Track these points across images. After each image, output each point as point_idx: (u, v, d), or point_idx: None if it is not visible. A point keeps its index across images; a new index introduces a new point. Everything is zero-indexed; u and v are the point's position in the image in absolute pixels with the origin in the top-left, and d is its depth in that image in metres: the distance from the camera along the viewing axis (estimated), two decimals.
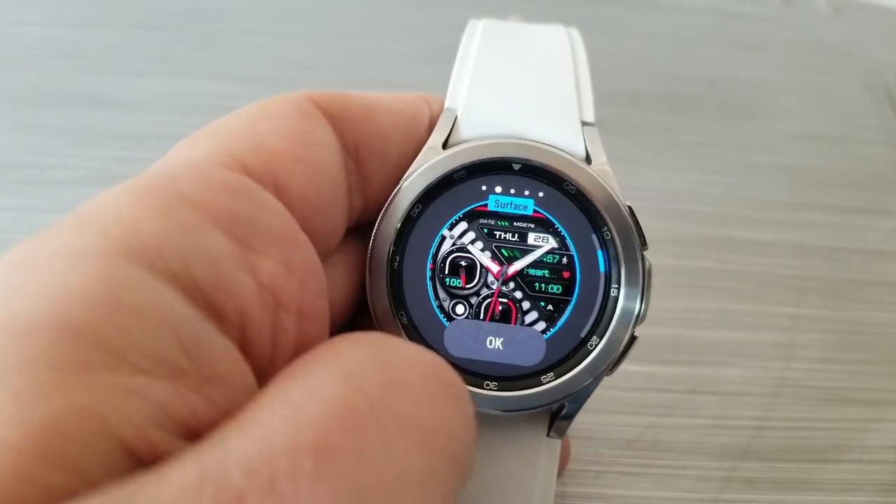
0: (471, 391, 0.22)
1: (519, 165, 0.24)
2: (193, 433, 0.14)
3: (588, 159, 0.24)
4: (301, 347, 0.18)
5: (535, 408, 0.23)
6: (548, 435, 0.24)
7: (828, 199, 0.46)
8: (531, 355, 0.23)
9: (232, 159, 0.19)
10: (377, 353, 0.16)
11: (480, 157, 0.24)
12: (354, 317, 0.25)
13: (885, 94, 0.52)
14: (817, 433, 0.35)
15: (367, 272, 0.23)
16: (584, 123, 0.25)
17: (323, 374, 0.15)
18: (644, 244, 0.24)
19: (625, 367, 0.24)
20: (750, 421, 0.35)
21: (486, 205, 0.24)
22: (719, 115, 0.50)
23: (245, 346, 0.17)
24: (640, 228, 0.24)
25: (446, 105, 0.25)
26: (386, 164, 0.23)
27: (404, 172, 0.24)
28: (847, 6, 0.61)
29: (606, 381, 0.23)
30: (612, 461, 0.33)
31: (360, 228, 0.25)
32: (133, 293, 0.14)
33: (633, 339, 0.23)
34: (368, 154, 0.23)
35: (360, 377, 0.15)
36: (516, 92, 0.25)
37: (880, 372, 0.38)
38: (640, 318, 0.23)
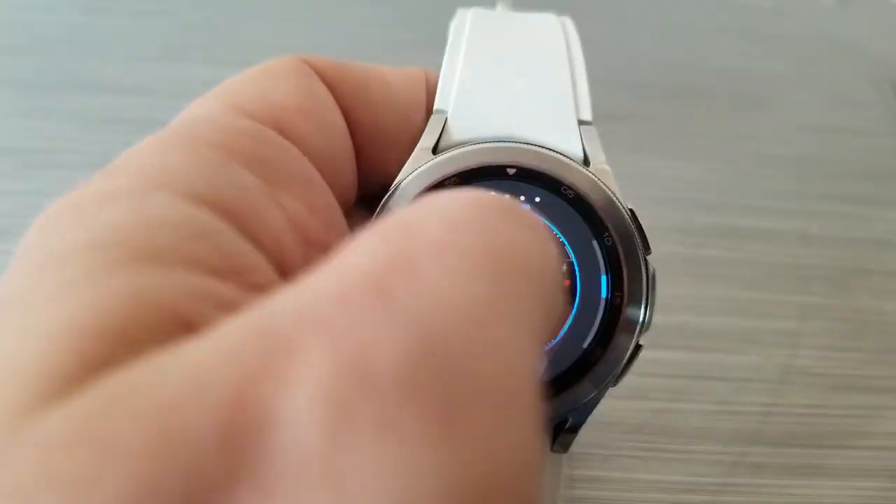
0: None
1: (514, 170, 0.22)
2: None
3: (586, 160, 0.23)
4: None
5: None
6: (551, 449, 0.23)
7: (834, 189, 0.46)
8: None
9: (243, 111, 0.19)
10: (431, 202, 0.14)
11: (472, 164, 0.22)
12: None
13: (890, 86, 0.52)
14: (825, 420, 0.35)
15: None
16: (581, 122, 0.23)
17: (372, 234, 0.13)
18: (647, 249, 0.22)
19: None
20: (758, 407, 0.35)
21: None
22: (727, 105, 0.50)
23: (282, 275, 0.16)
24: (643, 232, 0.22)
25: (435, 106, 0.23)
26: (374, 140, 0.23)
27: (396, 152, 0.23)
28: (853, 0, 0.61)
29: (610, 390, 0.23)
30: (620, 445, 0.33)
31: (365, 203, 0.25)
32: (164, 213, 0.14)
33: (637, 348, 0.22)
34: (360, 126, 0.22)
35: (412, 223, 0.13)
36: (509, 91, 0.24)
37: (887, 360, 0.38)
38: (644, 327, 0.22)
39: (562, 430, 0.23)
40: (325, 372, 0.11)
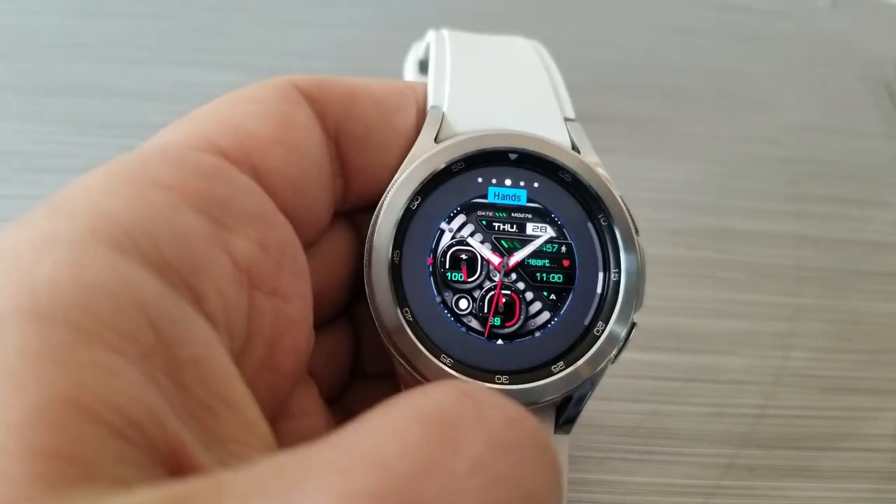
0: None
1: (515, 155, 0.24)
2: (160, 424, 0.14)
3: (575, 151, 0.24)
4: (277, 330, 0.18)
5: (548, 399, 0.23)
6: (555, 431, 0.24)
7: (827, 190, 0.46)
8: (538, 356, 0.23)
9: (207, 142, 0.19)
10: (476, 406, 0.14)
11: (480, 147, 0.24)
12: (351, 305, 0.25)
13: (883, 86, 0.52)
14: (817, 422, 0.35)
15: (366, 266, 0.23)
16: (566, 119, 0.25)
17: (414, 422, 0.13)
18: (637, 231, 0.24)
19: (626, 355, 0.24)
20: (750, 409, 0.35)
21: (485, 196, 0.24)
22: (719, 106, 0.51)
23: (222, 327, 0.17)
24: (632, 216, 0.24)
25: (430, 104, 0.24)
26: (367, 150, 0.23)
27: (386, 159, 0.23)
28: (846, 1, 0.61)
29: (608, 369, 0.24)
30: (613, 448, 0.33)
31: (348, 214, 0.25)
32: (99, 274, 0.14)
33: (633, 325, 0.23)
34: (349, 139, 0.23)
35: (455, 428, 0.13)
36: (497, 89, 0.25)
37: (880, 361, 0.38)
38: (638, 303, 0.23)
39: (564, 411, 0.23)
40: None
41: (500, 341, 0.23)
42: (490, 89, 0.25)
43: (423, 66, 0.30)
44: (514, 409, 0.15)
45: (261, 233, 0.18)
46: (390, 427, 0.13)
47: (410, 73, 0.41)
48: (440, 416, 0.13)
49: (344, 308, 0.25)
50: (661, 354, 0.37)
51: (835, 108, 0.51)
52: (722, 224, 0.43)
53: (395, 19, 0.55)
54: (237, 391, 0.16)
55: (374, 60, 0.50)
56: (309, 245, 0.22)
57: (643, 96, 0.51)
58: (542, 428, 0.15)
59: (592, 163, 0.24)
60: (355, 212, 0.25)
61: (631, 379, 0.35)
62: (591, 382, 0.23)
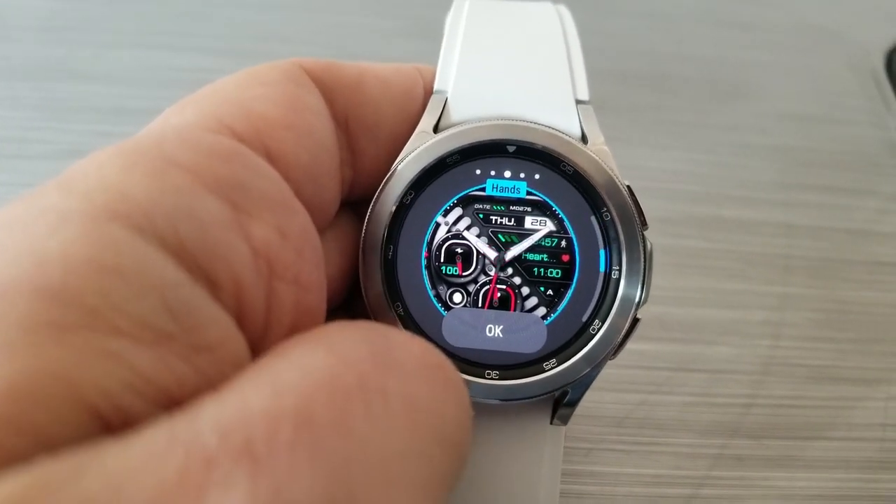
0: (472, 381, 0.22)
1: (514, 147, 0.23)
2: (175, 402, 0.14)
3: (584, 139, 0.23)
4: (298, 319, 0.18)
5: (538, 395, 0.22)
6: (551, 423, 0.23)
7: (815, 178, 0.46)
8: (532, 342, 0.23)
9: (221, 125, 0.18)
10: (368, 334, 0.15)
11: (474, 140, 0.23)
12: (350, 299, 0.25)
13: (871, 75, 0.52)
14: (805, 411, 0.35)
15: (361, 260, 0.22)
16: (578, 102, 0.24)
17: (310, 349, 0.14)
18: (644, 224, 0.23)
19: None
20: (739, 399, 0.35)
21: (483, 189, 0.23)
22: (708, 94, 0.50)
23: (240, 315, 0.16)
24: (640, 208, 0.23)
25: (435, 87, 0.24)
26: (377, 136, 0.23)
27: (396, 147, 0.23)
28: None
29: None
30: (602, 438, 0.33)
31: (352, 205, 0.24)
32: (117, 255, 0.13)
33: (635, 321, 0.23)
34: (359, 125, 0.22)
35: (349, 353, 0.14)
36: (507, 71, 0.24)
37: (867, 350, 0.38)
38: (642, 301, 0.23)
39: (561, 403, 0.23)
40: (241, 501, 0.11)
41: None
42: (499, 71, 0.24)
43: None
44: (404, 336, 0.16)
45: (280, 219, 0.17)
46: (288, 356, 0.15)
47: None
48: (331, 343, 0.15)
49: (342, 302, 0.25)
50: (649, 344, 0.36)
51: (823, 97, 0.51)
52: (710, 213, 0.43)
53: (378, 3, 0.54)
54: None
55: (357, 45, 0.49)
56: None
57: (632, 84, 0.50)
58: (433, 349, 0.16)
59: (598, 150, 0.23)
60: (360, 203, 0.24)
61: (619, 369, 0.35)
62: (586, 380, 0.23)
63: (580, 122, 0.24)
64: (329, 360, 0.14)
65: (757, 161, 0.46)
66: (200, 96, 0.19)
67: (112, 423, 0.12)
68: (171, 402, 0.13)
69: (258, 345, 0.17)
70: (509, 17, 0.26)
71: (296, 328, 0.18)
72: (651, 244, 0.23)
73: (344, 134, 0.22)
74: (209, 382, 0.14)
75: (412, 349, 0.15)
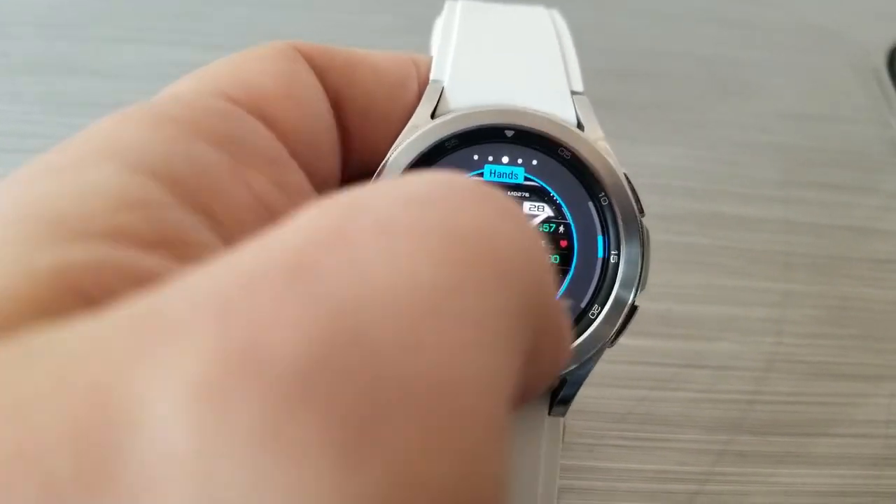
0: None
1: (512, 132, 0.23)
2: None
3: (580, 128, 0.23)
4: None
5: None
6: (549, 413, 0.23)
7: (816, 176, 0.46)
8: None
9: (218, 91, 0.18)
10: (393, 181, 0.12)
11: (473, 125, 0.23)
12: None
13: (872, 74, 0.52)
14: (808, 407, 0.35)
15: None
16: (573, 93, 0.24)
17: (311, 208, 0.11)
18: (641, 211, 0.23)
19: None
20: (742, 395, 0.35)
21: (481, 174, 0.23)
22: (709, 92, 0.50)
23: None
24: (637, 195, 0.23)
25: (431, 77, 0.24)
26: (367, 120, 0.23)
27: (387, 130, 0.23)
28: None
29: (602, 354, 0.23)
30: (605, 434, 0.33)
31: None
32: (100, 182, 0.13)
33: (634, 308, 0.22)
34: (349, 107, 0.22)
35: (362, 199, 0.11)
36: (503, 62, 0.24)
37: (869, 347, 0.38)
38: (640, 286, 0.23)
39: (559, 393, 0.23)
40: (205, 358, 0.08)
41: None
42: (495, 62, 0.24)
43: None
44: (443, 173, 0.12)
45: (278, 174, 0.17)
46: (291, 220, 0.11)
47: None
48: (350, 199, 0.11)
49: None
50: (651, 340, 0.36)
51: (824, 95, 0.51)
52: (711, 210, 0.43)
53: (378, 2, 0.54)
54: None
55: (356, 43, 0.49)
56: None
57: (633, 82, 0.50)
58: (480, 181, 0.13)
59: (595, 139, 0.23)
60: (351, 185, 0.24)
61: (621, 365, 0.35)
62: (585, 367, 0.22)
63: (576, 112, 0.24)
64: (336, 211, 0.11)
65: (758, 158, 0.46)
66: (198, 72, 0.19)
67: (97, 299, 0.11)
68: None
69: None
70: (502, 16, 0.26)
71: None
72: (647, 229, 0.23)
73: (335, 114, 0.22)
74: None
75: (454, 182, 0.12)
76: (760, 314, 0.38)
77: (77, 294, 0.11)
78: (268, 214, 0.16)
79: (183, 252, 0.13)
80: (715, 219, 0.43)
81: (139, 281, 0.12)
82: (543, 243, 0.13)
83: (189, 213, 0.14)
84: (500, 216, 0.12)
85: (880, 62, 0.52)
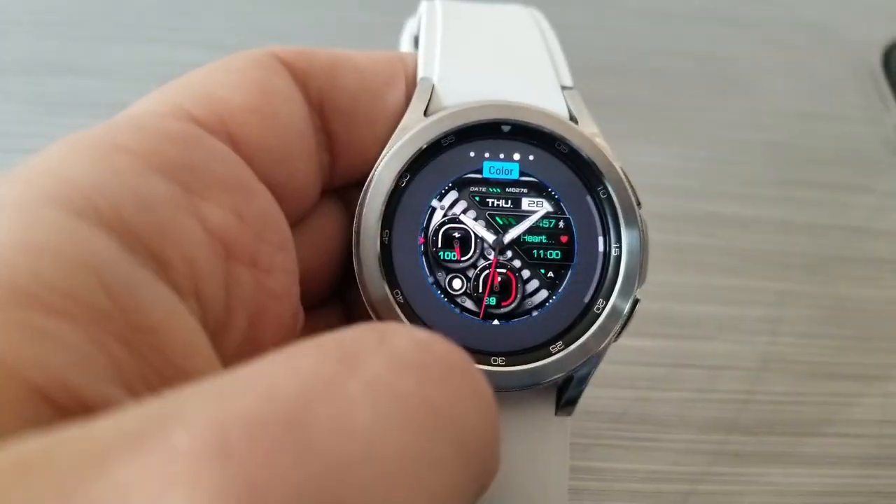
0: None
1: (508, 127, 0.23)
2: (126, 383, 0.13)
3: (573, 122, 0.23)
4: (262, 303, 0.17)
5: (547, 380, 0.22)
6: (556, 413, 0.23)
7: (813, 175, 0.46)
8: (537, 334, 0.22)
9: (179, 110, 0.18)
10: (383, 335, 0.14)
11: (469, 121, 0.23)
12: (343, 287, 0.25)
13: (868, 72, 0.52)
14: (803, 407, 0.35)
15: (355, 248, 0.22)
16: (563, 87, 0.24)
17: (311, 350, 0.13)
18: (639, 203, 0.23)
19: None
20: (736, 395, 0.35)
21: (479, 171, 0.23)
22: (706, 91, 0.50)
23: (198, 298, 0.16)
24: (633, 187, 0.23)
25: (420, 75, 0.24)
26: (352, 123, 0.22)
27: (374, 132, 0.23)
28: None
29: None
30: (600, 434, 0.33)
31: (339, 192, 0.24)
32: (49, 234, 0.13)
33: (635, 301, 0.22)
34: (333, 111, 0.22)
35: (355, 354, 0.13)
36: (490, 58, 0.24)
37: (864, 347, 0.38)
38: (642, 278, 0.23)
39: (565, 391, 0.23)
40: (208, 498, 0.10)
41: (496, 322, 0.22)
42: (483, 58, 0.24)
43: (418, 42, 0.29)
44: (425, 335, 0.14)
45: (236, 201, 0.17)
46: (285, 356, 0.13)
47: (406, 49, 0.40)
48: (339, 343, 0.13)
49: (336, 289, 0.24)
50: (647, 340, 0.36)
51: (820, 94, 0.51)
52: (708, 209, 0.43)
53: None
54: (198, 362, 0.15)
55: (350, 39, 0.49)
56: (297, 221, 0.21)
57: (629, 80, 0.50)
58: (458, 351, 0.14)
59: (591, 133, 0.23)
60: (346, 189, 0.24)
61: (617, 365, 0.34)
62: (593, 362, 0.22)
63: (568, 106, 0.24)
64: (330, 360, 0.13)
65: (754, 158, 0.46)
66: (167, 86, 0.19)
67: (66, 403, 0.12)
68: (123, 383, 0.13)
69: (221, 329, 0.17)
70: (485, 14, 0.26)
71: (261, 312, 0.18)
72: (645, 222, 0.23)
73: (319, 118, 0.22)
74: (151, 366, 0.14)
75: (434, 349, 0.14)
76: (756, 314, 0.38)
77: (45, 401, 0.12)
78: (224, 249, 0.17)
79: (136, 319, 0.14)
80: (710, 218, 0.43)
81: (108, 375, 0.12)
82: (496, 420, 0.14)
83: (136, 264, 0.14)
84: (470, 395, 0.14)
85: (876, 60, 0.52)
